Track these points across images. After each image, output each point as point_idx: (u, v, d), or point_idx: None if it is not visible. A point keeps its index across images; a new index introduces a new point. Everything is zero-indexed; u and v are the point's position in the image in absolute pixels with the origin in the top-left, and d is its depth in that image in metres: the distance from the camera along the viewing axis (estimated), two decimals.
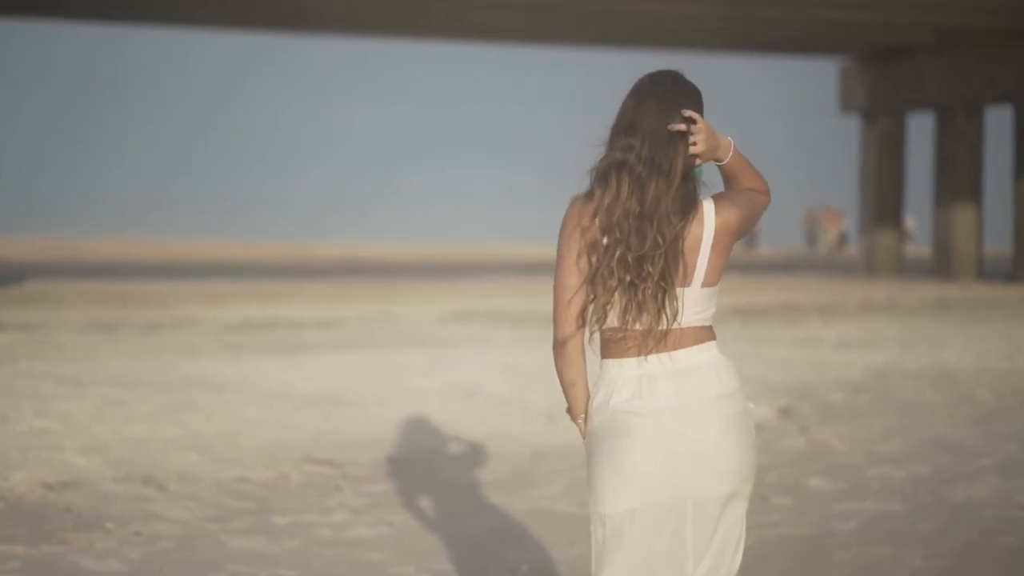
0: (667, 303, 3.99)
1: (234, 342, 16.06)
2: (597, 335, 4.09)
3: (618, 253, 3.97)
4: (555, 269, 4.06)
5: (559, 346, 4.08)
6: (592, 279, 4.00)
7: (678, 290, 4.01)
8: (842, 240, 55.02)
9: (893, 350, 15.75)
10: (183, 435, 9.66)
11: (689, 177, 4.03)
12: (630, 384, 4.04)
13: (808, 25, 31.10)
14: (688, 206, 4.00)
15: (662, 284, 3.98)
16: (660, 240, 3.97)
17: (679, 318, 4.02)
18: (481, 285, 30.11)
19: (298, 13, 30.72)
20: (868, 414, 11.34)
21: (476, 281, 31.56)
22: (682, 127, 4.00)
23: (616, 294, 3.99)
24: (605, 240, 3.99)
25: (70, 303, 22.32)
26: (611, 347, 4.07)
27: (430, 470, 8.99)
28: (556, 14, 29.99)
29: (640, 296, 3.98)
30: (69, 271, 33.49)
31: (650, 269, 3.97)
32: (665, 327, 4.00)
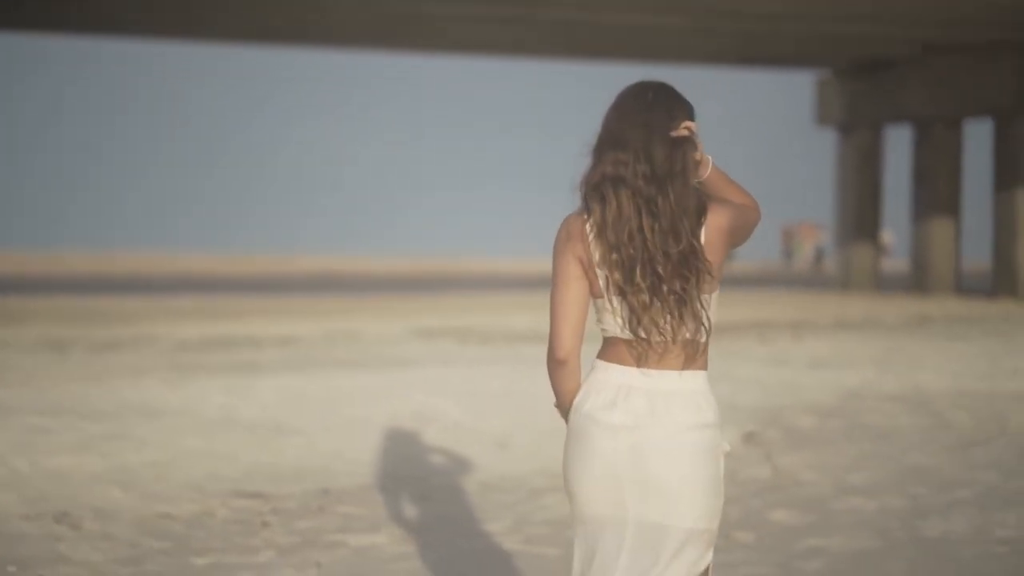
0: (690, 312, 3.89)
1: (186, 362, 15.50)
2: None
3: (638, 268, 3.86)
4: (552, 286, 3.95)
5: (559, 363, 3.97)
6: (604, 295, 3.90)
7: (702, 297, 3.91)
8: (819, 255, 54.56)
9: (868, 370, 15.24)
10: (108, 467, 9.07)
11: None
12: (609, 391, 3.92)
13: (792, 38, 30.63)
14: (701, 211, 3.90)
15: (683, 294, 3.87)
16: (678, 248, 3.85)
17: (705, 325, 3.91)
18: (456, 300, 29.59)
19: (275, 26, 30.29)
20: (839, 440, 10.79)
21: (451, 296, 31.02)
22: (685, 132, 3.91)
23: (630, 306, 3.88)
24: (615, 256, 3.86)
25: (27, 320, 21.71)
26: (610, 350, 3.96)
27: (367, 504, 8.40)
28: (538, 27, 29.50)
29: (660, 307, 3.87)
30: (38, 286, 32.83)
31: (676, 281, 3.86)
32: (692, 337, 3.91)
